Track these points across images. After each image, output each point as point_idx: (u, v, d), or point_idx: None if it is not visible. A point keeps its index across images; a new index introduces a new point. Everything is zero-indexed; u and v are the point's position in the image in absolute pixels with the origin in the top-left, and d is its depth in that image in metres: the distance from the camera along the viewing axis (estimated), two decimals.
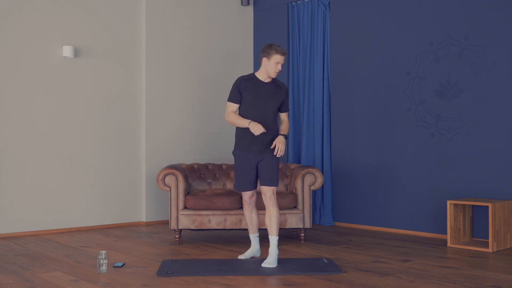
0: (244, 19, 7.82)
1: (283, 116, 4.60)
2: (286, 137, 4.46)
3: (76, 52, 6.39)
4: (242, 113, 4.48)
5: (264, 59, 4.42)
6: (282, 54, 4.38)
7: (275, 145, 4.39)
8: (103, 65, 6.59)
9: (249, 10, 7.87)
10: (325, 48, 6.95)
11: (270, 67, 4.41)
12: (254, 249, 4.70)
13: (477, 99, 5.57)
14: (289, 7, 7.37)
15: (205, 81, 7.39)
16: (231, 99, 4.49)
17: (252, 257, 4.68)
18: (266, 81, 4.48)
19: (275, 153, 4.37)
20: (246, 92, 4.44)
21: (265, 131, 4.34)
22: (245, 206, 4.63)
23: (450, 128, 5.76)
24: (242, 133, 4.48)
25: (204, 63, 7.39)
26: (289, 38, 7.41)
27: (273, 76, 4.43)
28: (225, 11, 7.61)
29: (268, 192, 4.44)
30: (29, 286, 3.77)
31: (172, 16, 7.11)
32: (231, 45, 7.66)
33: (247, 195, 4.58)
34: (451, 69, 5.76)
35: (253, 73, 4.53)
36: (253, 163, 4.48)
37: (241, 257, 4.63)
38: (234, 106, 4.50)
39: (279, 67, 4.40)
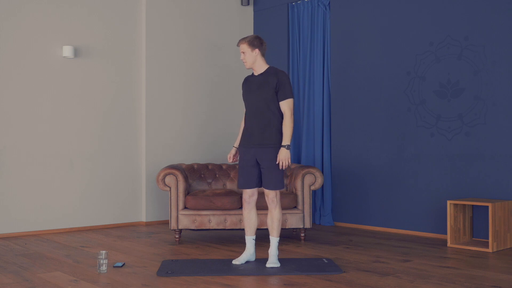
0: (244, 19, 7.82)
1: (282, 106, 4.31)
2: (288, 147, 4.23)
3: (76, 52, 6.39)
4: None
5: None
6: (237, 44, 4.47)
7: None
8: (103, 65, 6.59)
9: (249, 10, 7.87)
10: (325, 48, 6.95)
11: None
12: (248, 252, 4.50)
13: (477, 99, 5.57)
14: (289, 7, 7.37)
15: (205, 81, 7.39)
16: None
17: (246, 262, 4.50)
18: (257, 74, 4.45)
19: (280, 168, 4.27)
20: (242, 90, 4.52)
21: (229, 160, 4.51)
22: (244, 205, 4.49)
23: (450, 128, 5.76)
24: (244, 129, 4.47)
25: (204, 63, 7.39)
26: (289, 38, 7.40)
27: (245, 67, 4.45)
28: (225, 11, 7.61)
29: (270, 195, 4.37)
30: (29, 286, 3.76)
31: (172, 16, 7.11)
32: (231, 45, 7.66)
33: (246, 194, 4.44)
34: (451, 69, 5.76)
35: None
36: (251, 160, 4.37)
37: (235, 262, 4.43)
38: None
39: (241, 57, 4.42)
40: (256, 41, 4.37)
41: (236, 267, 4.30)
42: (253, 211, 4.50)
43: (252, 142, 4.35)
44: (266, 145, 4.31)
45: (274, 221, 4.39)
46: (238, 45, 4.42)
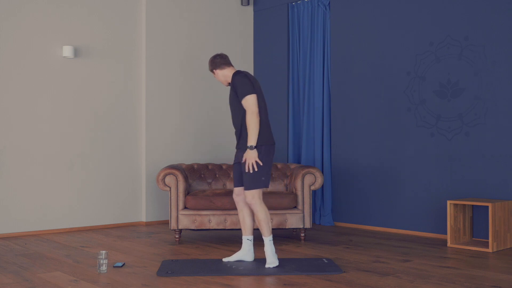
0: (244, 19, 7.82)
1: (243, 106, 4.33)
2: (252, 147, 4.22)
3: (76, 52, 6.39)
4: None
5: None
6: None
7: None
8: (103, 65, 6.59)
9: (249, 10, 7.87)
10: (325, 48, 6.95)
11: None
12: (242, 252, 4.50)
13: (477, 99, 5.57)
14: (289, 7, 7.37)
15: (205, 81, 7.39)
16: None
17: (238, 261, 4.48)
18: None
19: (247, 170, 4.29)
20: None
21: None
22: (235, 204, 4.59)
23: (450, 128, 5.76)
24: None
25: (204, 63, 7.39)
26: (289, 38, 7.40)
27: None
28: (225, 11, 7.61)
29: (248, 197, 4.32)
30: (29, 286, 3.76)
31: (172, 16, 7.11)
32: (231, 45, 7.66)
33: (234, 193, 4.54)
34: (451, 69, 5.76)
35: None
36: (235, 161, 4.51)
37: (225, 259, 4.47)
38: None
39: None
40: (211, 65, 4.55)
41: (238, 265, 4.30)
42: (244, 210, 4.52)
43: (236, 145, 4.53)
44: (240, 148, 4.44)
45: (258, 222, 4.37)
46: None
